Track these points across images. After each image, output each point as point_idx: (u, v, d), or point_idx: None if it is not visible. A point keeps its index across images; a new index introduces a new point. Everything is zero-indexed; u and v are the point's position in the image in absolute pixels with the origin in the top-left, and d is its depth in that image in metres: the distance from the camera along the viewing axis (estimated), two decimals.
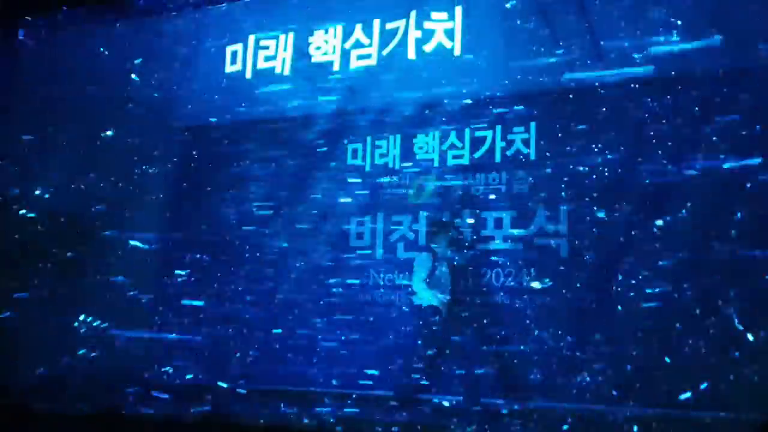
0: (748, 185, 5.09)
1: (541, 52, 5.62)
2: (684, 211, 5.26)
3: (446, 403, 5.65)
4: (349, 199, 6.60)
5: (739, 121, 5.07)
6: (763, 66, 5.11)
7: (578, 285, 5.62)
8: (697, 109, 5.27)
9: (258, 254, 6.65)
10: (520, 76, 5.87)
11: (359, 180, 6.67)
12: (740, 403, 4.67)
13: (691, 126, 5.29)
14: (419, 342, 5.54)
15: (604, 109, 5.70)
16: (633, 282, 5.37)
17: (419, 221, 6.39)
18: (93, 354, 6.49)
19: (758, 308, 4.89)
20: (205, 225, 6.96)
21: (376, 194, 6.60)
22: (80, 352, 6.52)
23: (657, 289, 5.25)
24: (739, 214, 5.10)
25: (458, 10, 5.88)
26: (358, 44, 6.30)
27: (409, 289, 5.72)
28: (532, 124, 6.06)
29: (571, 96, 5.88)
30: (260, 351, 6.41)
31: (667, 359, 5.10)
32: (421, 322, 5.52)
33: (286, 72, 6.51)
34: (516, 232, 5.99)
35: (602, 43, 5.43)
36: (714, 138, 5.17)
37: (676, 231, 5.27)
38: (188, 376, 6.44)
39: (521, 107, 6.04)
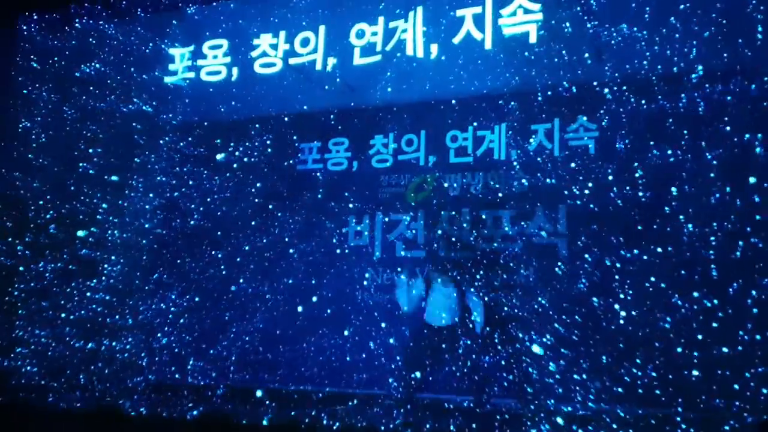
0: (752, 181, 5.10)
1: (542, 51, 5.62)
2: (684, 210, 5.26)
3: (449, 404, 5.71)
4: (347, 198, 6.61)
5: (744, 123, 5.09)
6: None
7: (577, 284, 5.63)
8: (701, 109, 5.27)
9: (255, 252, 6.66)
10: (522, 74, 5.87)
11: (359, 178, 6.70)
12: (740, 403, 4.71)
13: (694, 125, 5.28)
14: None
15: (602, 108, 5.69)
16: (632, 282, 5.38)
17: (418, 220, 6.42)
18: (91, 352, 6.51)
19: (759, 308, 4.91)
20: (201, 222, 6.96)
21: (375, 192, 6.62)
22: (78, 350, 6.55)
23: (656, 288, 5.28)
24: (739, 215, 5.10)
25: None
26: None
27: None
28: (532, 125, 6.06)
29: (571, 95, 5.86)
30: (255, 349, 6.43)
31: (667, 359, 5.12)
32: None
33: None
34: (515, 231, 6.01)
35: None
36: (718, 137, 5.17)
37: (676, 230, 5.27)
38: (189, 376, 6.46)
39: (522, 106, 6.05)
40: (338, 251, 6.54)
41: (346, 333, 6.18)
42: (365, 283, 6.41)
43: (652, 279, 5.24)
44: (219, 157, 6.87)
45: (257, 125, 6.92)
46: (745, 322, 4.91)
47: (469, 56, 5.93)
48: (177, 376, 6.48)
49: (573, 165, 5.76)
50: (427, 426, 5.16)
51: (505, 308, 5.79)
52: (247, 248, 6.61)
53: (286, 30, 6.60)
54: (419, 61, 6.04)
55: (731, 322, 4.94)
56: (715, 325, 4.98)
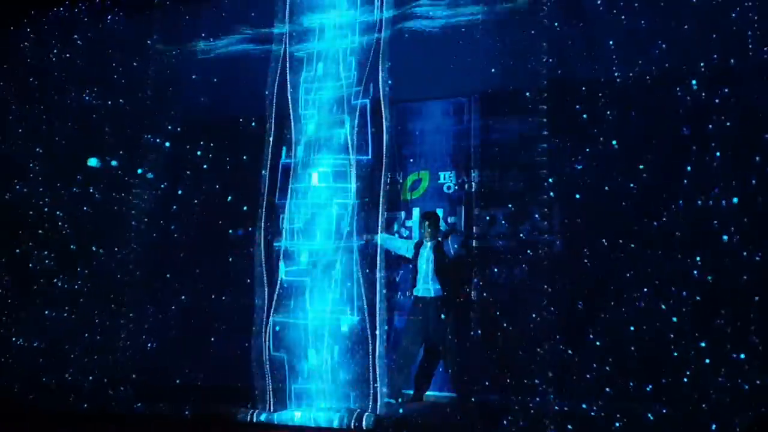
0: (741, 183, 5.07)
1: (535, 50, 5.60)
2: (679, 210, 5.25)
3: (441, 399, 5.75)
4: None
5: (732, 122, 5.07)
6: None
7: (571, 282, 5.64)
8: (691, 109, 5.23)
9: (249, 250, 6.65)
10: (516, 71, 5.84)
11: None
12: (734, 402, 4.73)
13: (686, 126, 5.26)
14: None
15: (597, 108, 5.65)
16: (626, 281, 5.38)
17: (413, 217, 6.42)
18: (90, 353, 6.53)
19: (754, 306, 4.89)
20: (198, 220, 6.95)
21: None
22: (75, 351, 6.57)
23: (650, 287, 5.28)
24: (733, 215, 5.08)
25: None
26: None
27: None
28: (527, 122, 6.01)
29: (565, 94, 5.83)
30: (247, 347, 6.42)
31: (661, 357, 5.11)
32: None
33: None
34: (509, 229, 6.01)
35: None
36: (709, 138, 5.15)
37: (670, 230, 5.27)
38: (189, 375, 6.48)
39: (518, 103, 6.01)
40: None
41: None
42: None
43: (647, 277, 5.26)
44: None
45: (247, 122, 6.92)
46: (742, 321, 4.91)
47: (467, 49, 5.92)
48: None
49: (568, 163, 5.75)
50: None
51: (499, 306, 5.85)
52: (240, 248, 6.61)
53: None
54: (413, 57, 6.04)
55: (728, 320, 4.94)
56: (711, 323, 4.97)
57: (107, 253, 6.79)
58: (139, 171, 6.83)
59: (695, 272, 5.08)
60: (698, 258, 5.07)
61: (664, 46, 5.31)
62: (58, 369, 6.49)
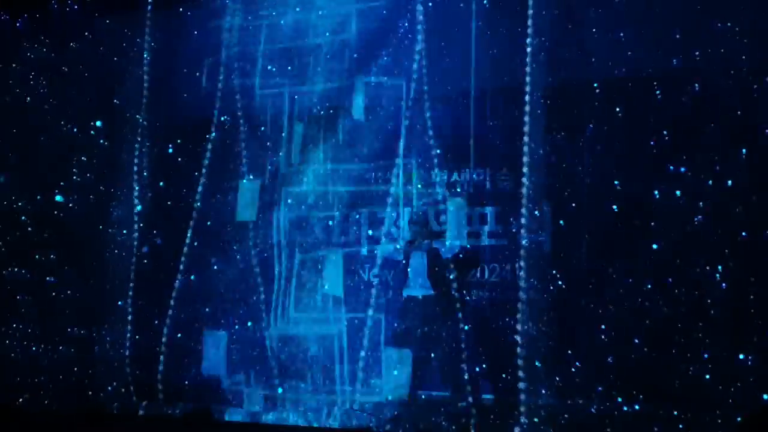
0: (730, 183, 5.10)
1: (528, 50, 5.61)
2: (670, 208, 5.26)
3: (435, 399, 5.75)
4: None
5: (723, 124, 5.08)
6: None
7: (562, 281, 5.65)
8: (684, 110, 5.27)
9: (242, 249, 6.64)
10: (509, 69, 5.86)
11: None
12: (726, 399, 4.76)
13: (678, 127, 5.29)
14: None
15: (591, 108, 5.67)
16: (618, 278, 5.39)
17: (403, 217, 6.40)
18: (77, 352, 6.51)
19: (747, 303, 4.93)
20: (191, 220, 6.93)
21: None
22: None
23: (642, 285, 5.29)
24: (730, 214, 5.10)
25: None
26: None
27: None
28: (520, 121, 6.02)
29: (559, 94, 5.84)
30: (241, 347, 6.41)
31: (653, 355, 5.13)
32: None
33: None
34: (500, 228, 6.01)
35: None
36: (699, 140, 5.18)
37: (661, 229, 5.28)
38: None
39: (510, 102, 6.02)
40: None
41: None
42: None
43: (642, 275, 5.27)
44: None
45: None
46: (739, 319, 4.93)
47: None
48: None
49: (560, 161, 5.76)
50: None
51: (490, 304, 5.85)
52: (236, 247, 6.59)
53: None
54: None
55: (724, 317, 4.97)
56: (707, 321, 5.01)
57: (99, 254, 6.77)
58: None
59: (691, 270, 5.12)
60: (695, 256, 5.11)
61: (658, 44, 5.35)
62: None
